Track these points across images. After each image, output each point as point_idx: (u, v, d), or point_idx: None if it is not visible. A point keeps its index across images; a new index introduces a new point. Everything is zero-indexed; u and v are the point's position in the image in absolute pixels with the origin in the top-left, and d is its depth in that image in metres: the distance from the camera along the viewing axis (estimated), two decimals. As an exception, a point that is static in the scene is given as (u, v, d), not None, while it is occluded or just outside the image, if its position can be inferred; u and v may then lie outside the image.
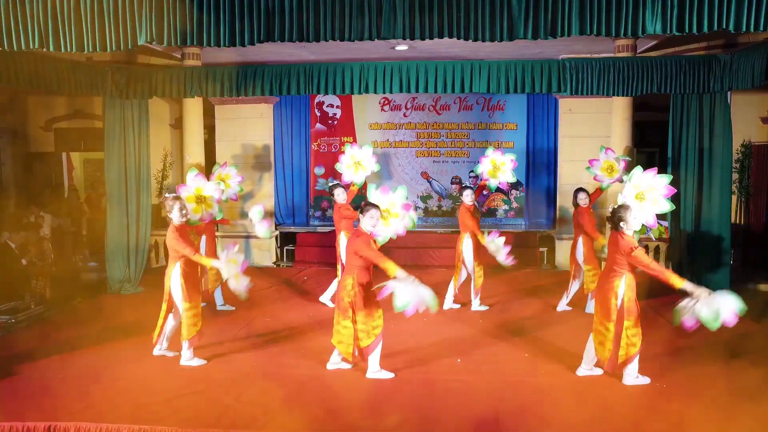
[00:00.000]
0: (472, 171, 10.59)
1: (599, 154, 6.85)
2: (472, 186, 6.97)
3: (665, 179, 4.73)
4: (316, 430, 4.02)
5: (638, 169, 4.81)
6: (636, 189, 4.72)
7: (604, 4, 4.13)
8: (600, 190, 6.81)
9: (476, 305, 6.91)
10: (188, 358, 5.16)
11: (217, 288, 6.98)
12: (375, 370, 4.89)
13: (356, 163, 7.05)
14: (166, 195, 5.16)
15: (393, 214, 4.83)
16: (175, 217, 5.01)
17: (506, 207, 10.68)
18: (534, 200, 10.55)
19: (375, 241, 4.78)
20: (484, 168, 6.98)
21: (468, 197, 6.76)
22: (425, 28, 4.28)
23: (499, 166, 6.91)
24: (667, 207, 4.74)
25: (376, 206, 4.75)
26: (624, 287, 4.65)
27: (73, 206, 10.50)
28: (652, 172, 4.78)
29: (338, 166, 7.22)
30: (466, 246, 6.77)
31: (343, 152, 7.17)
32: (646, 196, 4.70)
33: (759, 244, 9.38)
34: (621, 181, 6.76)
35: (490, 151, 6.97)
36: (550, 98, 10.01)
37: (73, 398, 4.46)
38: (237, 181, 7.27)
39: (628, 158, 6.94)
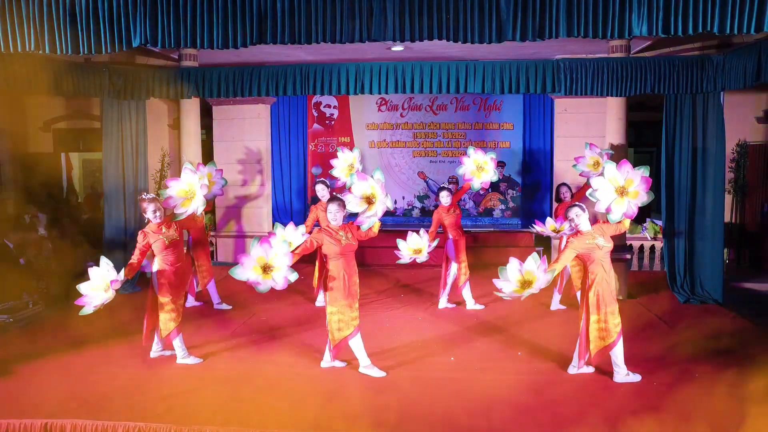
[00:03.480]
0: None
1: (584, 151, 6.92)
2: (449, 188, 6.98)
3: (641, 171, 4.68)
4: (308, 427, 4.06)
5: (611, 165, 4.75)
6: (614, 183, 4.68)
7: (591, 6, 4.17)
8: (588, 186, 6.87)
9: (471, 304, 6.96)
10: (183, 356, 5.22)
11: (211, 286, 7.07)
12: (366, 365, 4.96)
13: (349, 165, 7.10)
14: (143, 195, 5.23)
15: (375, 197, 4.83)
16: (150, 217, 5.14)
17: (503, 207, 10.72)
18: (530, 200, 10.58)
19: (359, 228, 4.91)
20: (466, 169, 6.87)
21: (445, 198, 6.81)
22: (415, 30, 4.33)
23: (482, 166, 6.81)
24: (647, 199, 4.70)
25: (333, 200, 4.86)
26: (588, 281, 4.72)
27: (71, 206, 10.56)
28: (626, 166, 4.73)
29: (333, 172, 7.26)
30: (448, 246, 6.84)
31: (336, 156, 7.23)
32: (628, 190, 4.67)
33: (754, 244, 9.44)
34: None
35: (471, 152, 6.87)
36: (546, 98, 10.05)
37: (69, 396, 4.51)
38: (220, 176, 7.19)
39: (611, 152, 7.01)
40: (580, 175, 6.97)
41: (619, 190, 4.69)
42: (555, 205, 7.05)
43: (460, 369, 5.11)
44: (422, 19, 4.28)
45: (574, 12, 4.17)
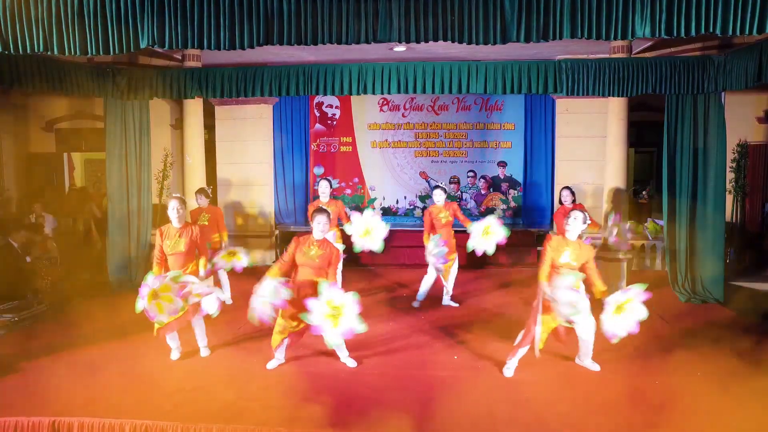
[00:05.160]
0: (471, 171, 10.69)
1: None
2: (443, 186, 6.85)
3: (638, 289, 4.58)
4: (314, 425, 4.10)
5: (615, 295, 4.59)
6: (615, 305, 4.56)
7: (595, 8, 4.21)
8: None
9: (447, 300, 7.04)
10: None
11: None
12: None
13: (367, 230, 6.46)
14: (173, 194, 5.28)
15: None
16: (170, 215, 5.14)
17: (504, 206, 10.75)
18: (531, 199, 10.62)
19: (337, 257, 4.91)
20: (476, 229, 6.48)
21: (438, 196, 6.72)
22: (420, 31, 4.36)
23: (490, 234, 6.43)
24: (644, 314, 4.56)
25: (322, 211, 4.86)
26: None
27: (73, 206, 10.60)
28: (626, 291, 4.62)
29: (348, 228, 6.64)
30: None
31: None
32: (626, 308, 4.57)
33: (754, 243, 9.48)
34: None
35: (490, 218, 6.50)
36: (548, 98, 10.09)
37: (76, 394, 4.55)
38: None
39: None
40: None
41: (619, 308, 4.58)
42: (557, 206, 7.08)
43: (463, 367, 5.15)
44: (427, 20, 4.32)
45: (578, 13, 4.20)
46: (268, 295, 4.57)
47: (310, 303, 4.39)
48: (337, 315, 4.38)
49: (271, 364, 5.13)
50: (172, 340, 5.31)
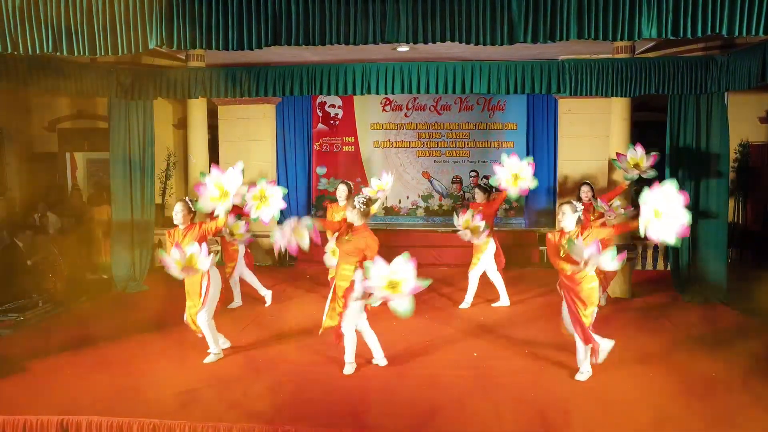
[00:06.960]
0: (473, 171, 10.71)
1: (627, 151, 6.72)
2: (483, 185, 7.08)
3: (672, 186, 4.27)
4: (321, 424, 4.11)
5: (646, 191, 4.34)
6: (651, 207, 4.30)
7: (602, 9, 4.23)
8: (624, 187, 6.74)
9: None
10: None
11: None
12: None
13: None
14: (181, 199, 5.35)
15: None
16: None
17: (506, 206, 10.76)
18: (534, 199, 10.62)
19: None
20: (501, 177, 6.66)
21: (478, 195, 6.93)
22: (428, 32, 4.38)
23: (518, 174, 6.61)
24: (685, 217, 4.20)
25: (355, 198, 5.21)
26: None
27: (74, 206, 10.59)
28: (659, 188, 4.32)
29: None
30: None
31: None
32: (662, 211, 4.25)
33: (756, 243, 9.50)
34: (646, 174, 6.55)
35: (505, 158, 6.67)
36: (550, 98, 10.10)
37: (84, 393, 4.57)
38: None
39: (656, 153, 6.68)
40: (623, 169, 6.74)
41: (656, 212, 4.29)
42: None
43: (467, 366, 5.16)
44: (435, 20, 4.34)
45: (585, 14, 4.22)
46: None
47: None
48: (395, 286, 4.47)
49: None
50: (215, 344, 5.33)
